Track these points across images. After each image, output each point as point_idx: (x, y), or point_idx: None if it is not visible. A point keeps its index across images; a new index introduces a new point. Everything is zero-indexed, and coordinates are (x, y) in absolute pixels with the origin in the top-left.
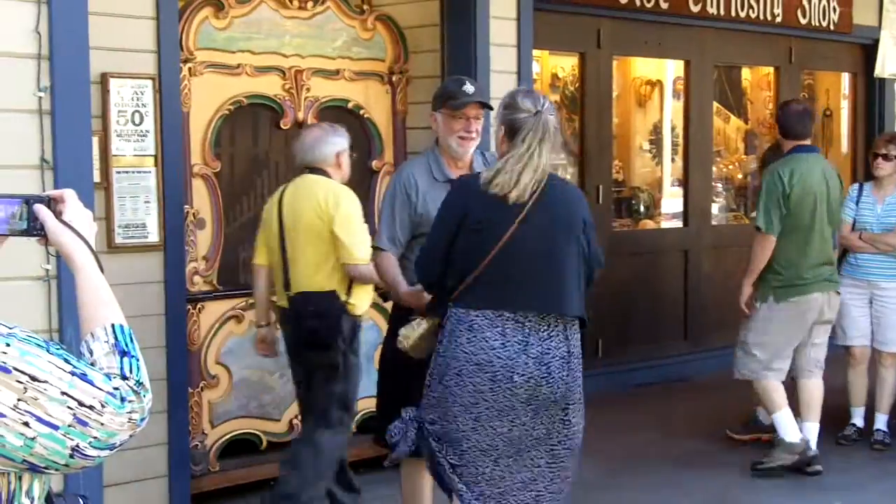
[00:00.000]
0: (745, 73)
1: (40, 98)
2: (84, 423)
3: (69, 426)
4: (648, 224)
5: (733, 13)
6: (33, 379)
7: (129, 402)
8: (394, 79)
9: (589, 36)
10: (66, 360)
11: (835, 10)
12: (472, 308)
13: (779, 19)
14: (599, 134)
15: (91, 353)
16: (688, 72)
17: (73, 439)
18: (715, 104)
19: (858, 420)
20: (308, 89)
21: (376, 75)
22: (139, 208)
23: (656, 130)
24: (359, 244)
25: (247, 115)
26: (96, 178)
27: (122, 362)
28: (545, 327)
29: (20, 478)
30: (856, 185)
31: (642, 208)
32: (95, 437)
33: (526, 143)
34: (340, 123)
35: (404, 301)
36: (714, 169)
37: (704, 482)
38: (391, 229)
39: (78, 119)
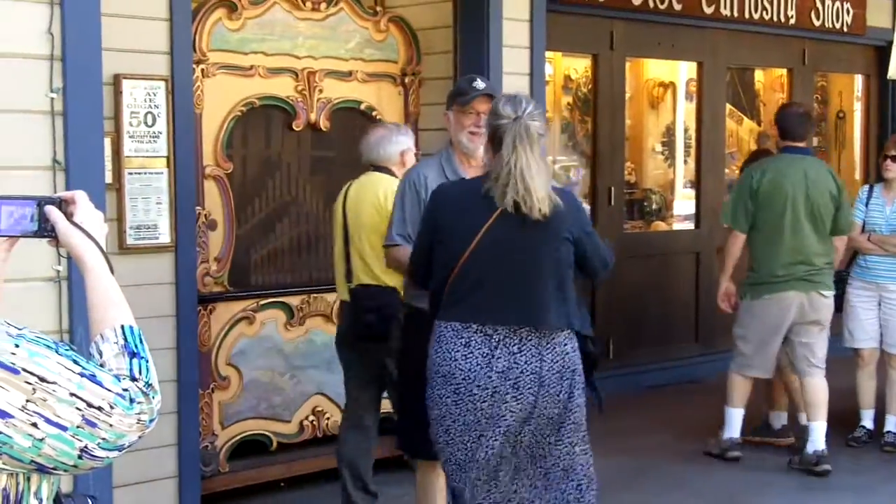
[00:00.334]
0: (759, 74)
1: (53, 99)
2: (93, 425)
3: (78, 427)
4: (660, 226)
5: (746, 15)
6: (42, 380)
7: (138, 403)
8: (406, 80)
9: (602, 37)
10: (76, 362)
11: (848, 11)
12: (443, 320)
13: (792, 21)
14: (612, 135)
15: (100, 354)
16: (701, 73)
17: (81, 440)
18: (728, 106)
19: (868, 422)
20: (321, 91)
21: (389, 77)
22: (151, 209)
23: (669, 132)
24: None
25: (259, 117)
26: (108, 179)
27: (131, 363)
28: (516, 341)
29: (28, 478)
30: (866, 187)
31: (654, 210)
32: (104, 439)
33: (509, 149)
34: (351, 124)
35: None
36: (726, 171)
37: (715, 484)
38: (402, 227)
39: (90, 120)
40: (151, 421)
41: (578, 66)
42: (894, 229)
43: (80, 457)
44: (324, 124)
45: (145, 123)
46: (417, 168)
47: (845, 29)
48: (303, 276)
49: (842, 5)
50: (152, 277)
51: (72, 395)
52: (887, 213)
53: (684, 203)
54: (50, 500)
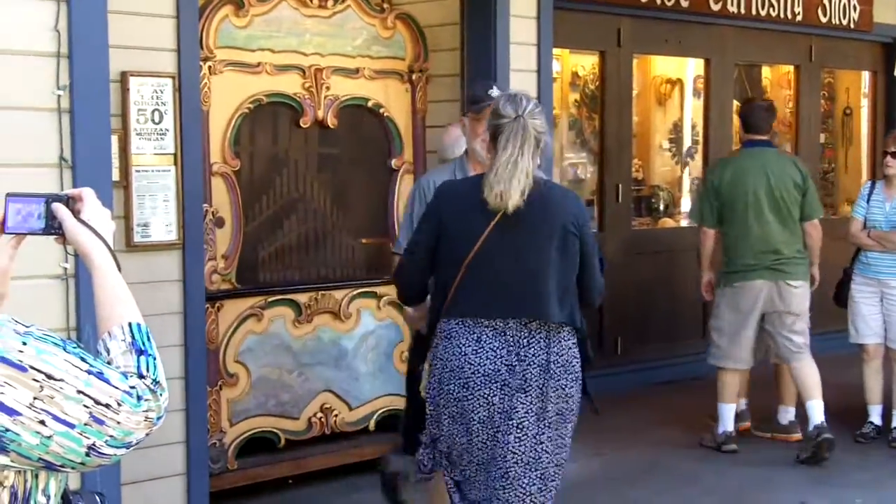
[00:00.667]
0: (766, 71)
1: (59, 96)
2: (100, 422)
3: (85, 425)
4: (668, 223)
5: (754, 12)
6: (49, 377)
7: (146, 400)
8: (413, 77)
9: (609, 34)
10: (83, 359)
11: (855, 8)
12: (452, 318)
13: (799, 18)
14: (619, 132)
15: (108, 351)
16: (708, 70)
17: (89, 438)
18: (735, 102)
19: (876, 418)
20: (328, 88)
21: (396, 74)
22: (158, 207)
23: (676, 129)
24: None
25: (266, 114)
26: (115, 176)
27: (138, 361)
28: (525, 334)
29: (36, 476)
30: (868, 183)
31: (662, 207)
32: (111, 436)
33: (507, 149)
34: (359, 122)
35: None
36: None
37: (724, 480)
38: (409, 234)
39: (97, 118)
40: (159, 418)
41: (586, 63)
42: (893, 225)
43: (87, 454)
44: (331, 121)
45: (152, 121)
46: (429, 175)
47: (852, 25)
48: (311, 274)
49: (848, 2)
50: (160, 275)
51: (79, 392)
52: (887, 209)
53: (691, 200)
54: (58, 497)
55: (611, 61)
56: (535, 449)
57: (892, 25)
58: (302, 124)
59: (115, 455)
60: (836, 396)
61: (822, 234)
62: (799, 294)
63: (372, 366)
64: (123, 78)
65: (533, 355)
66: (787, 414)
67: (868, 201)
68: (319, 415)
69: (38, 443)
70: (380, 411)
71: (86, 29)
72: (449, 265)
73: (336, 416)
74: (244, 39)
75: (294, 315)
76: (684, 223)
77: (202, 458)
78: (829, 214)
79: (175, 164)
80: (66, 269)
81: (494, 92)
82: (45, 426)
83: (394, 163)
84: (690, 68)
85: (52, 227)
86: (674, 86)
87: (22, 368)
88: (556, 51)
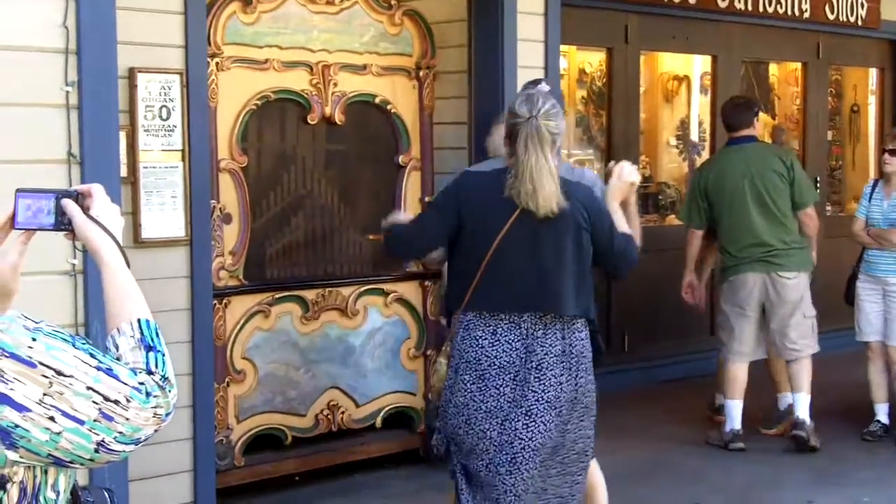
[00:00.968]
0: (773, 68)
1: (68, 93)
2: (109, 418)
3: (94, 421)
4: (675, 220)
5: (761, 8)
6: (59, 373)
7: (155, 396)
8: (421, 74)
9: (616, 31)
10: (92, 355)
11: (862, 5)
12: (471, 309)
13: (806, 14)
14: (626, 129)
15: (117, 347)
16: (715, 67)
17: (98, 434)
18: None
19: (883, 416)
20: (335, 84)
21: (403, 70)
22: (166, 203)
23: (683, 126)
24: None
25: (274, 110)
26: (123, 172)
27: (147, 357)
28: (540, 326)
29: (45, 472)
30: (872, 181)
31: (669, 204)
32: (121, 432)
33: (529, 152)
34: (366, 118)
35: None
36: None
37: (732, 477)
38: None
39: (105, 114)
40: (168, 415)
41: (593, 60)
42: (892, 223)
43: (96, 450)
44: (339, 118)
45: (160, 117)
46: (469, 170)
47: (860, 22)
48: (318, 270)
49: None
50: (167, 271)
51: (88, 388)
52: (885, 207)
53: None
54: (67, 493)
55: (618, 58)
56: (544, 436)
57: None
58: (309, 121)
59: (124, 451)
60: (843, 394)
61: (817, 223)
62: (792, 285)
63: (379, 363)
64: (131, 74)
65: (549, 345)
66: (785, 399)
67: (870, 200)
68: (326, 412)
69: (47, 439)
70: (387, 408)
71: (94, 25)
72: (467, 258)
73: (343, 413)
74: (252, 36)
75: (301, 312)
76: None
77: (209, 454)
78: (837, 212)
79: (183, 160)
80: (74, 265)
81: (543, 87)
82: (55, 422)
83: (401, 159)
84: (698, 65)
85: (62, 223)
86: (681, 83)
87: (31, 364)
88: (563, 47)
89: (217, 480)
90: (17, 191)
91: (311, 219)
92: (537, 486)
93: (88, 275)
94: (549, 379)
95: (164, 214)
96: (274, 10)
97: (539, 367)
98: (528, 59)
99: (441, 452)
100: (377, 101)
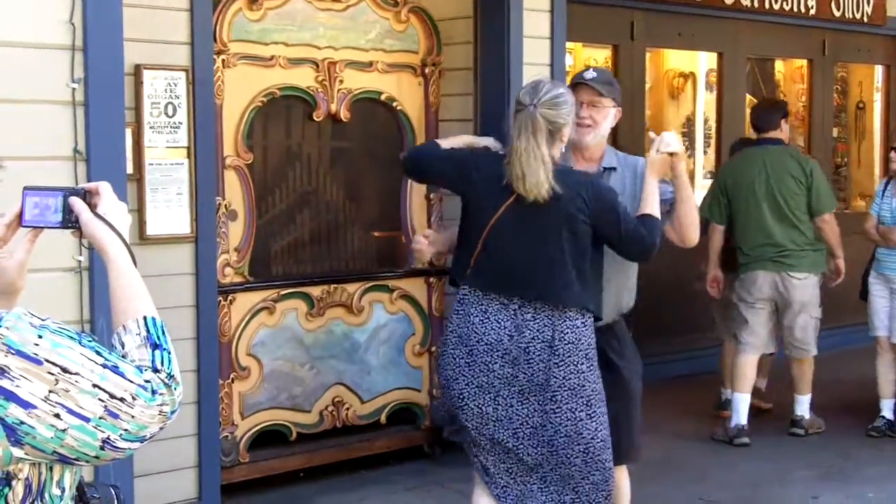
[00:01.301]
0: (779, 65)
1: (74, 89)
2: (115, 416)
3: (100, 418)
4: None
5: (767, 5)
6: (65, 371)
7: (160, 394)
8: (427, 71)
9: (622, 28)
10: (98, 353)
11: (868, 2)
12: (468, 284)
13: (812, 11)
14: (632, 126)
15: (123, 345)
16: (721, 64)
17: (103, 431)
18: (747, 96)
19: (888, 412)
20: (341, 81)
21: (409, 67)
22: (171, 200)
23: (689, 123)
24: None
25: (280, 107)
26: (129, 170)
27: (153, 355)
28: (530, 310)
29: (51, 468)
30: (884, 180)
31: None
32: (126, 430)
33: (521, 138)
34: (372, 115)
35: None
36: None
37: (739, 474)
38: (444, 147)
39: (112, 111)
40: (173, 412)
41: (599, 57)
42: None
43: (102, 448)
44: (344, 115)
45: (166, 114)
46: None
47: (865, 19)
48: (323, 267)
49: None
50: (173, 268)
51: (94, 386)
52: (894, 206)
53: (704, 193)
54: (73, 490)
55: (624, 55)
56: (541, 417)
57: None
58: (315, 118)
59: (130, 449)
60: (849, 390)
61: (837, 229)
62: (800, 285)
63: (384, 359)
64: (137, 71)
65: (537, 330)
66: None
67: (882, 197)
68: (331, 408)
69: (52, 436)
70: (391, 404)
71: (100, 22)
72: (469, 231)
73: (348, 409)
74: (258, 33)
75: (306, 308)
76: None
77: (214, 450)
78: (842, 209)
79: (188, 157)
80: (80, 261)
81: (587, 74)
82: (60, 419)
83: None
84: (703, 62)
85: (69, 220)
86: (686, 79)
87: (37, 362)
88: (568, 44)
89: (222, 477)
90: (25, 189)
91: (316, 215)
92: (543, 466)
93: (94, 271)
94: (538, 364)
95: (170, 211)
96: (280, 7)
97: (527, 351)
98: (534, 56)
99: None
100: (383, 98)
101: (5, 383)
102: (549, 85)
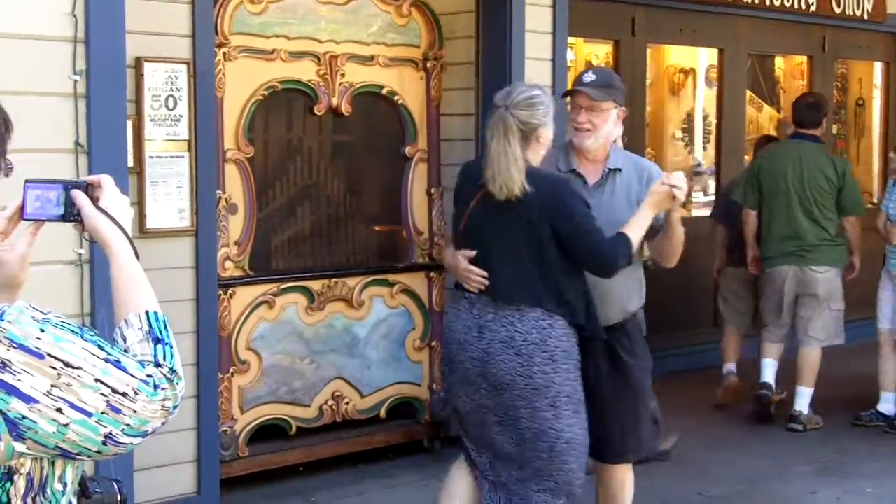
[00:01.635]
0: (779, 61)
1: (76, 82)
2: (117, 411)
3: (102, 413)
4: (681, 212)
5: (767, 2)
6: (67, 365)
7: (163, 389)
8: (428, 65)
9: (623, 24)
10: (100, 347)
11: None
12: (455, 283)
13: (813, 8)
14: (632, 122)
15: (124, 339)
16: (721, 60)
17: (105, 426)
18: (748, 93)
19: (884, 406)
20: (342, 75)
21: (411, 61)
22: (172, 193)
23: (689, 119)
24: None
25: (281, 101)
26: (129, 162)
27: (155, 349)
28: (492, 311)
29: (53, 463)
30: (894, 178)
31: None
32: (128, 425)
33: (493, 139)
34: (373, 109)
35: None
36: (746, 158)
37: (734, 469)
38: None
39: (113, 103)
40: (175, 407)
41: (600, 52)
42: None
43: (104, 443)
44: (345, 109)
45: (167, 107)
46: None
47: (865, 16)
48: (324, 261)
49: None
50: (173, 261)
51: (97, 380)
52: None
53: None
54: (74, 485)
55: (625, 50)
56: (514, 412)
57: None
58: (316, 111)
59: (132, 444)
60: (849, 385)
61: (860, 231)
62: (821, 279)
63: (384, 353)
64: (138, 63)
65: (495, 331)
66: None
67: (892, 194)
68: (331, 402)
69: (54, 431)
70: (391, 399)
71: (102, 14)
72: (455, 232)
73: (347, 403)
74: (259, 26)
75: (307, 302)
76: (696, 213)
77: (213, 444)
78: None
79: (189, 150)
80: (80, 254)
81: (585, 77)
82: (62, 414)
83: (408, 150)
84: (703, 58)
85: (71, 213)
86: (687, 75)
87: (39, 356)
88: (570, 40)
89: (221, 471)
90: (26, 181)
91: (316, 210)
92: (518, 460)
93: (95, 265)
94: (502, 364)
95: (170, 204)
96: (281, 1)
97: (488, 352)
98: (535, 51)
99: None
100: (384, 91)
101: (7, 377)
102: (524, 87)
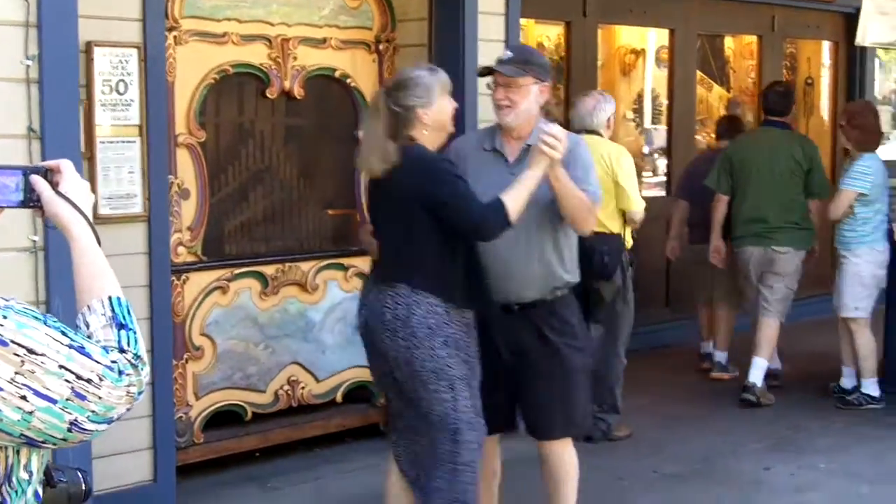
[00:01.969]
0: (728, 41)
1: (28, 66)
2: (82, 397)
3: (67, 400)
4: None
5: None
6: (31, 352)
7: (127, 375)
8: (381, 48)
9: (575, 4)
10: (64, 333)
11: None
12: None
13: None
14: None
15: (87, 325)
16: (672, 41)
17: (71, 413)
18: (698, 73)
19: (845, 380)
20: (295, 58)
21: (363, 44)
22: (123, 179)
23: (640, 99)
24: (636, 193)
25: (232, 85)
26: (80, 147)
27: (119, 335)
28: (373, 289)
29: (18, 452)
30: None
31: None
32: (93, 411)
33: (367, 121)
34: (326, 92)
35: None
36: (697, 138)
37: (690, 447)
38: None
39: (65, 88)
40: (140, 393)
41: (551, 34)
42: None
43: (69, 430)
44: (298, 92)
45: (117, 91)
46: (461, 136)
47: None
48: (277, 245)
49: None
50: (125, 247)
51: (61, 367)
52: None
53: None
54: (40, 474)
55: (576, 31)
56: (385, 381)
57: None
58: (268, 95)
59: (97, 430)
60: (801, 362)
61: (823, 215)
62: (783, 258)
63: (339, 337)
64: (88, 48)
65: (371, 306)
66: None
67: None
68: (286, 387)
69: (19, 418)
70: (347, 383)
71: None
72: None
73: (303, 388)
74: (210, 9)
75: (260, 287)
76: (647, 193)
77: (169, 432)
78: None
79: (140, 135)
80: (35, 241)
81: (503, 55)
82: (27, 401)
83: (360, 134)
84: (654, 39)
85: (31, 199)
86: (638, 56)
87: (3, 343)
88: (521, 20)
89: (177, 457)
90: None
91: (269, 194)
92: (421, 429)
93: (50, 252)
94: (374, 337)
95: (122, 190)
96: None
97: (366, 326)
98: (488, 33)
99: None
100: (337, 74)
101: None
102: (412, 69)
